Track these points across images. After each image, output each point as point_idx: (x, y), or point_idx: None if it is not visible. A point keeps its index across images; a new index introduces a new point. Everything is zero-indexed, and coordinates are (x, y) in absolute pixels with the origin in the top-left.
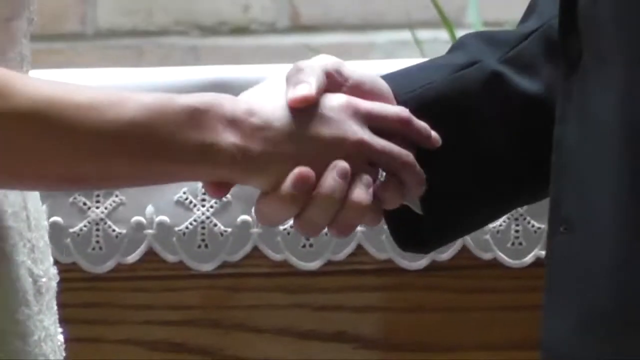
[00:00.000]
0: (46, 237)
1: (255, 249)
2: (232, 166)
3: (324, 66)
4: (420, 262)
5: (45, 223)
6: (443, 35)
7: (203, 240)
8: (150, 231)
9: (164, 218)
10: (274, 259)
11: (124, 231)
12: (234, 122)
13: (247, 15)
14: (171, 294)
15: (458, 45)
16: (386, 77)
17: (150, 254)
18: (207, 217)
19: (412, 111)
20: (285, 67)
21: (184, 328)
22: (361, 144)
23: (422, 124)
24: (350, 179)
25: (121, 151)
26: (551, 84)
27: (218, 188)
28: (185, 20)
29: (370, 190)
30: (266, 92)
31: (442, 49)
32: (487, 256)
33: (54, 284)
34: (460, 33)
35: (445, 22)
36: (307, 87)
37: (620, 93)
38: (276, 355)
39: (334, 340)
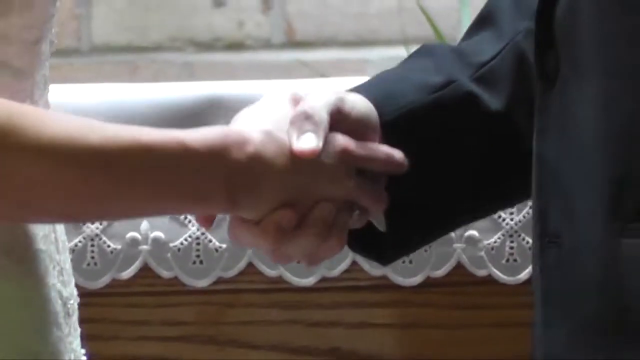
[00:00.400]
0: (69, 259)
1: (250, 265)
2: (230, 206)
3: (328, 107)
4: (415, 278)
5: (68, 244)
6: None
7: (198, 256)
8: (145, 247)
9: (158, 234)
10: (269, 275)
11: (119, 247)
12: (237, 170)
13: (242, 31)
14: (166, 309)
15: (427, 54)
16: (369, 93)
17: (145, 270)
18: (202, 233)
19: (393, 131)
20: (280, 83)
21: (179, 344)
22: (348, 191)
23: (399, 157)
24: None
25: (126, 194)
26: (517, 100)
27: (207, 220)
28: (180, 37)
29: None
30: (272, 121)
31: None
32: (481, 273)
33: (76, 305)
34: None
35: (440, 38)
36: (314, 140)
37: (599, 105)
38: None
39: (329, 357)
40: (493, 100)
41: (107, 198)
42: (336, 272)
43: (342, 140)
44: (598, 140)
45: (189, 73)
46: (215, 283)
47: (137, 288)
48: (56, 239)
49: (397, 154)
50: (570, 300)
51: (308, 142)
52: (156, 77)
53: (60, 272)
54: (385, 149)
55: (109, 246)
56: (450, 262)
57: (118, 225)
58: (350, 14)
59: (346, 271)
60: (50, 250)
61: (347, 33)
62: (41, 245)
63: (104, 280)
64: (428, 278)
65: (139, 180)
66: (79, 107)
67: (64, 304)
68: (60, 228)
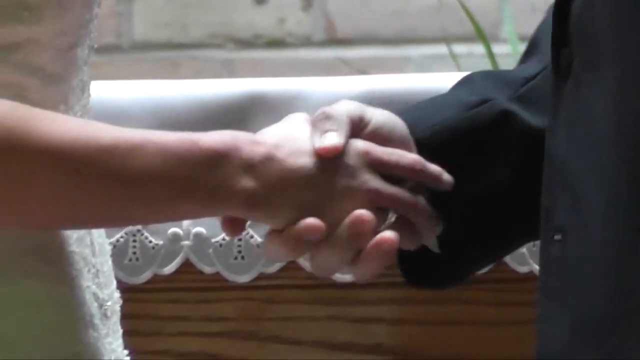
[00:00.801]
0: (110, 262)
1: (292, 260)
2: (248, 209)
3: (349, 113)
4: None
5: (109, 248)
6: (479, 49)
7: (239, 251)
8: (186, 242)
9: (200, 229)
10: (311, 271)
11: (160, 242)
12: (251, 168)
13: (283, 28)
14: (207, 305)
15: (466, 81)
16: (402, 114)
17: (186, 265)
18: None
19: (427, 149)
20: (320, 81)
21: (220, 339)
22: (372, 193)
23: (434, 169)
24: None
25: (140, 196)
26: None
27: (232, 227)
28: (221, 34)
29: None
30: (287, 133)
31: (478, 63)
32: (523, 269)
33: (117, 308)
34: (495, 47)
35: (481, 36)
36: (336, 137)
37: (613, 100)
38: None
39: (371, 353)
40: (532, 118)
41: (120, 201)
42: None
43: (363, 143)
44: (612, 136)
45: (229, 70)
46: (256, 279)
47: (178, 284)
48: (92, 242)
49: (434, 167)
50: (573, 296)
51: (330, 139)
52: (196, 74)
53: (96, 275)
54: (410, 159)
55: (150, 242)
56: None
57: None
58: (390, 11)
59: (388, 267)
60: (85, 253)
61: (387, 30)
62: (74, 247)
63: (146, 275)
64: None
65: (153, 179)
66: (120, 103)
67: (100, 306)
68: (97, 231)
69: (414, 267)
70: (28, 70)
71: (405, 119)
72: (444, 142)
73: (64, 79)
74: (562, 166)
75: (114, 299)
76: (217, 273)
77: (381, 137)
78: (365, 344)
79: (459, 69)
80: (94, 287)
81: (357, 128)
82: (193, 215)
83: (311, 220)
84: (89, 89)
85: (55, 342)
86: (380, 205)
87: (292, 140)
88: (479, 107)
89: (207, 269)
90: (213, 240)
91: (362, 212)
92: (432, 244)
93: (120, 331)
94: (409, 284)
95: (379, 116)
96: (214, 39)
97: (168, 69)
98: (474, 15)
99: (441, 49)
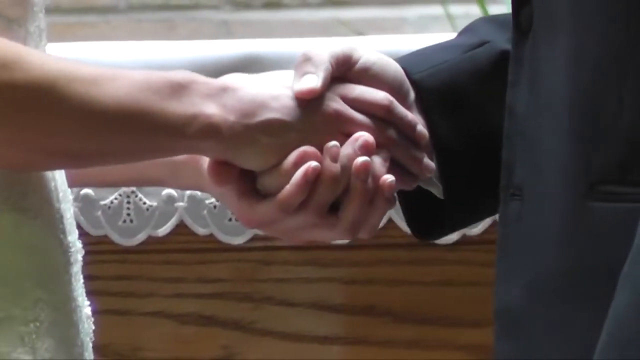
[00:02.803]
0: (72, 209)
1: None
2: (218, 138)
3: (332, 54)
4: (450, 236)
5: (71, 196)
6: (475, 10)
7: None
8: (181, 204)
9: (194, 191)
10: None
11: (154, 204)
12: (210, 95)
13: None
14: (202, 267)
15: (467, 29)
16: (399, 59)
17: (181, 227)
18: None
19: (425, 89)
20: (317, 42)
21: (215, 301)
22: (337, 115)
23: (405, 114)
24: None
25: (117, 124)
26: None
27: (218, 172)
28: None
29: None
30: (240, 74)
31: None
32: None
33: (79, 257)
34: (492, 8)
35: None
36: (314, 80)
37: (569, 59)
38: (306, 329)
39: (364, 314)
40: None
41: (101, 131)
42: None
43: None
44: (567, 96)
45: (226, 31)
46: (251, 240)
47: (172, 245)
48: (55, 187)
49: (405, 111)
50: (528, 254)
51: (306, 82)
52: (193, 35)
53: (60, 220)
54: (379, 95)
55: (144, 203)
56: (486, 220)
57: None
58: None
59: (382, 229)
60: (49, 198)
61: None
62: (40, 193)
63: (140, 237)
64: (464, 236)
65: (128, 106)
66: (116, 64)
67: (64, 252)
68: (60, 177)
69: (419, 217)
70: None
71: (401, 63)
72: (442, 83)
73: (22, 24)
74: (522, 122)
75: (76, 246)
76: (212, 234)
77: (370, 76)
78: (359, 306)
79: (455, 30)
80: (58, 232)
81: (345, 66)
82: (169, 148)
83: (306, 147)
84: (46, 37)
85: (17, 288)
86: (348, 132)
87: (250, 78)
88: (478, 48)
89: (202, 231)
90: (207, 202)
91: (306, 148)
92: (435, 189)
93: (82, 280)
94: (417, 237)
95: (369, 55)
96: (211, 0)
97: (164, 30)
98: None
99: (438, 9)
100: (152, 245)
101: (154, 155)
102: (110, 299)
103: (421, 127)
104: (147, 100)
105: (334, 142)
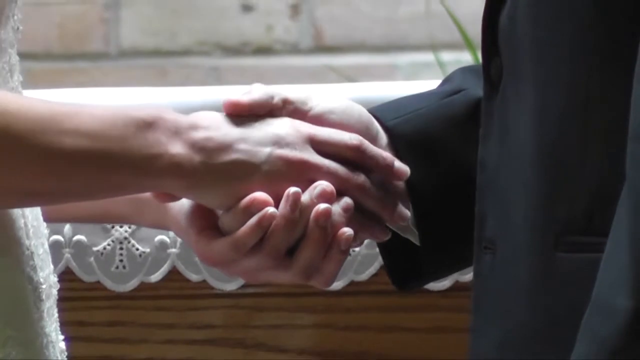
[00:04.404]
0: (46, 245)
1: None
2: (182, 177)
3: (279, 93)
4: (443, 282)
5: (46, 231)
6: (466, 57)
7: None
8: (173, 250)
9: None
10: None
11: (147, 250)
12: (178, 133)
13: (270, 35)
14: (194, 313)
15: (446, 79)
16: (373, 108)
17: (173, 273)
18: None
19: (399, 136)
20: (308, 88)
21: (207, 347)
22: (302, 162)
23: (379, 152)
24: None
25: (78, 163)
26: None
27: (163, 196)
28: (208, 41)
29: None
30: (211, 112)
31: None
32: None
33: (54, 291)
34: None
35: (469, 44)
36: (241, 97)
37: (533, 112)
38: None
39: None
40: None
41: (59, 170)
42: (364, 276)
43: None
44: (531, 150)
45: (217, 77)
46: (243, 287)
47: (165, 291)
48: (25, 224)
49: (379, 150)
50: (500, 307)
51: (234, 96)
52: (184, 81)
53: (30, 257)
54: (346, 135)
55: (137, 249)
56: None
57: (147, 229)
58: (378, 18)
59: (374, 275)
60: (18, 236)
61: (375, 38)
62: (8, 231)
63: (133, 283)
64: (457, 282)
65: (88, 143)
66: None
67: (35, 289)
68: (31, 214)
69: (399, 267)
70: None
71: (375, 111)
72: (416, 129)
73: None
74: (493, 175)
75: (49, 282)
76: (204, 281)
77: (331, 121)
78: (351, 352)
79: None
80: (27, 269)
81: (299, 112)
82: (132, 186)
83: (259, 195)
84: (18, 73)
85: None
86: (314, 179)
87: (216, 114)
88: (453, 95)
89: (194, 277)
90: None
91: (257, 194)
92: (412, 236)
93: (56, 315)
94: (396, 286)
95: (327, 102)
96: (202, 46)
97: (156, 76)
98: (461, 23)
99: (429, 56)
100: (144, 292)
101: (117, 193)
102: (102, 345)
103: (400, 163)
104: (109, 137)
105: (295, 189)
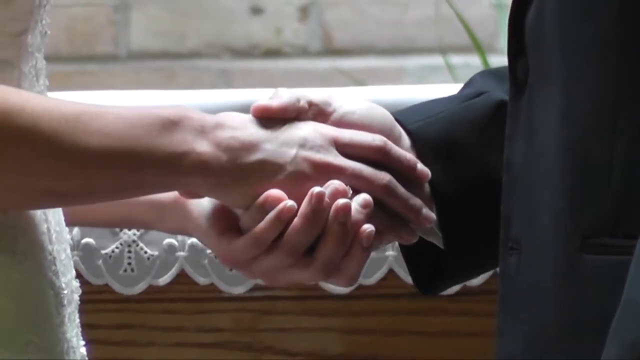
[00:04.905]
0: (68, 250)
1: None
2: (208, 176)
3: (304, 96)
4: (452, 287)
5: (68, 236)
6: (475, 60)
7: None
8: (182, 253)
9: (195, 240)
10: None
11: (155, 253)
12: (204, 132)
13: (279, 38)
14: (202, 316)
15: (466, 83)
16: (395, 112)
17: (181, 276)
18: None
19: (421, 139)
20: (317, 91)
21: (215, 350)
22: (327, 165)
23: (403, 153)
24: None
25: (103, 162)
26: None
27: (188, 192)
28: (217, 43)
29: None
30: (237, 113)
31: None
32: None
33: (76, 297)
34: (492, 58)
35: (477, 47)
36: (270, 101)
37: (560, 112)
38: None
39: None
40: None
41: (87, 170)
42: (372, 280)
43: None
44: (559, 151)
45: (226, 80)
46: (251, 290)
47: (173, 294)
48: (48, 229)
49: (403, 152)
50: (526, 307)
51: (263, 100)
52: (193, 84)
53: (53, 262)
54: (370, 136)
55: (146, 252)
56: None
57: (155, 232)
58: (387, 22)
59: (383, 279)
60: (41, 240)
61: (384, 41)
62: (31, 235)
63: (141, 286)
64: (465, 286)
65: (115, 144)
66: None
67: (57, 294)
68: (53, 219)
69: (421, 269)
70: None
71: (397, 115)
72: (439, 132)
73: (16, 64)
74: (519, 176)
75: (71, 287)
76: (212, 284)
77: (353, 123)
78: (360, 356)
79: (455, 80)
80: (50, 274)
81: (323, 113)
82: (158, 185)
83: (274, 192)
84: (44, 77)
85: (7, 330)
86: (332, 178)
87: (242, 116)
88: (475, 98)
89: (202, 280)
90: (208, 251)
91: (272, 191)
92: (436, 239)
93: (77, 321)
94: (420, 290)
95: (349, 104)
96: (211, 49)
97: (164, 79)
98: (470, 27)
99: (437, 59)
100: (152, 295)
101: (142, 192)
102: (111, 348)
103: (422, 166)
104: (135, 136)
105: (319, 189)
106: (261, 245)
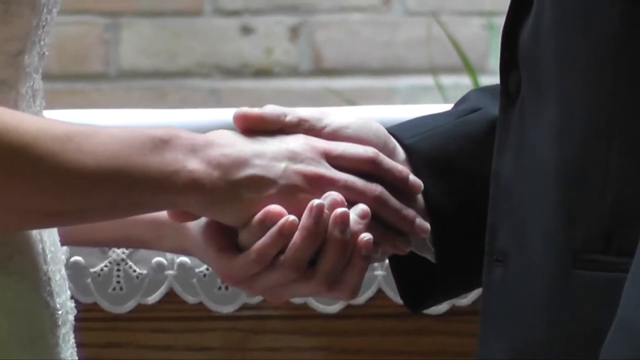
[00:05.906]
0: (63, 271)
1: None
2: (201, 193)
3: (294, 112)
4: (440, 307)
5: (63, 257)
6: (465, 80)
7: (223, 282)
8: (171, 272)
9: (184, 259)
10: (294, 302)
11: (144, 272)
12: (194, 151)
13: (270, 58)
14: (191, 335)
15: (461, 100)
16: (391, 128)
17: (170, 295)
18: None
19: (416, 154)
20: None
21: None
22: (319, 177)
23: (394, 165)
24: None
25: (98, 182)
26: None
27: (181, 215)
28: (208, 63)
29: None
30: (224, 131)
31: None
32: None
33: (71, 317)
34: (483, 79)
35: (468, 67)
36: (251, 109)
37: (555, 127)
38: None
39: None
40: None
41: (80, 190)
42: (362, 299)
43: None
44: (551, 165)
45: (216, 99)
46: (240, 309)
47: (162, 313)
48: (43, 249)
49: (394, 163)
50: (511, 320)
51: (245, 109)
52: (183, 103)
53: (48, 283)
54: (361, 148)
55: (134, 271)
56: (475, 291)
57: (144, 250)
58: (378, 42)
59: (371, 299)
60: (36, 261)
61: (375, 61)
62: (26, 255)
63: (130, 305)
64: (453, 306)
65: (107, 163)
66: None
67: (51, 315)
68: (48, 239)
69: (410, 286)
70: None
71: (393, 130)
72: (434, 146)
73: (13, 85)
74: (507, 187)
75: (66, 308)
76: (201, 303)
77: (347, 136)
78: None
79: (445, 101)
80: (45, 295)
81: (314, 129)
82: (151, 203)
83: (273, 207)
84: (41, 98)
85: (1, 349)
86: (324, 190)
87: (231, 133)
88: (470, 114)
89: (191, 299)
90: (197, 270)
91: (271, 206)
92: (429, 253)
93: (72, 341)
94: (408, 308)
95: (342, 119)
96: (201, 68)
97: (155, 98)
98: (461, 47)
99: (428, 80)
100: (141, 313)
101: (136, 212)
102: None
103: (414, 177)
104: (127, 156)
105: (318, 201)
106: (263, 261)
